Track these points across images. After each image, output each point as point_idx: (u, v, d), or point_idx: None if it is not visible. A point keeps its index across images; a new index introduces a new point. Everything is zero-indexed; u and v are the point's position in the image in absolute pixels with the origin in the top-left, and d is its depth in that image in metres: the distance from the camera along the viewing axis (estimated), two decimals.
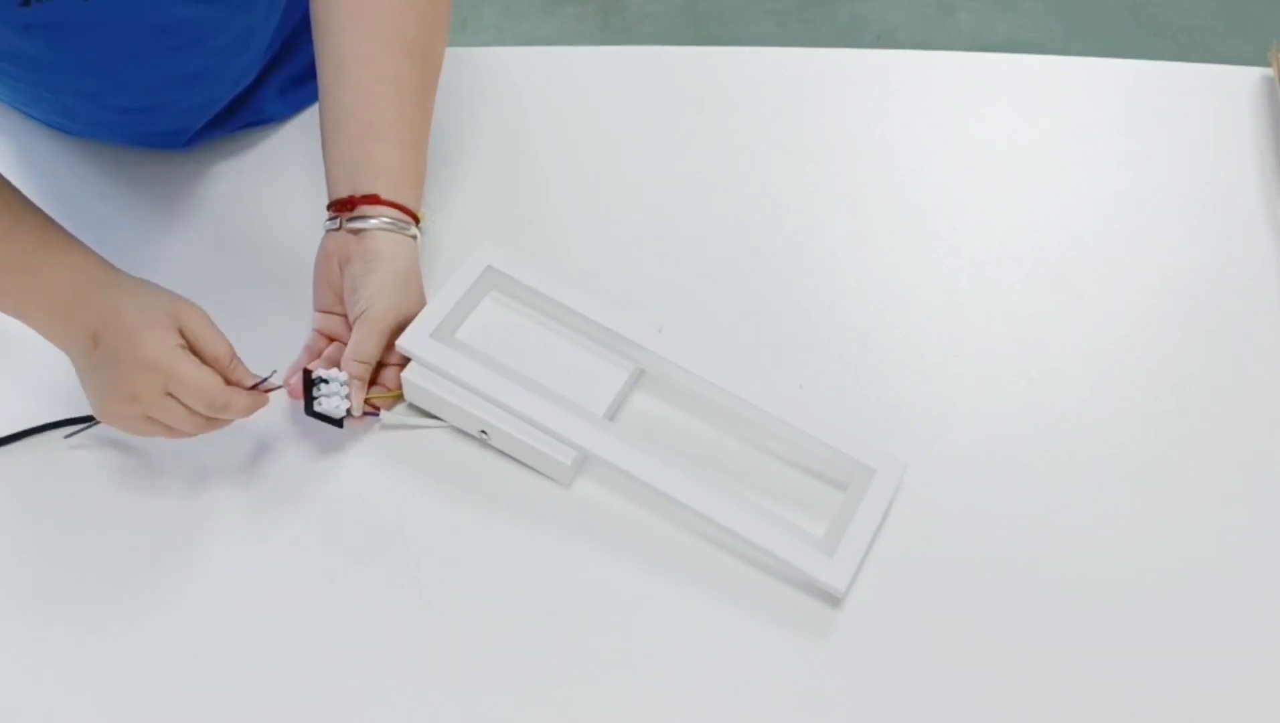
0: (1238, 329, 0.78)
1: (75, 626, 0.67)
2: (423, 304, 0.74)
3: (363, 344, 0.70)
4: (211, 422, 0.68)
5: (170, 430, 0.67)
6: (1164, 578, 0.68)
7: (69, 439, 0.73)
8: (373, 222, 0.72)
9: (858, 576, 0.66)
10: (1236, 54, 1.00)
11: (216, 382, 0.67)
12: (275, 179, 0.86)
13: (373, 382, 0.73)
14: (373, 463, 0.72)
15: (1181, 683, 0.64)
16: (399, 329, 0.72)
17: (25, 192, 0.69)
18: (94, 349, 0.66)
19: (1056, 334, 0.78)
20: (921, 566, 0.68)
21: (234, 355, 0.69)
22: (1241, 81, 0.92)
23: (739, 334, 0.78)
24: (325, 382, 0.69)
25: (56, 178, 0.86)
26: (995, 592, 0.68)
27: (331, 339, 0.74)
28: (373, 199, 0.73)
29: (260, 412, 0.69)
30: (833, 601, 0.67)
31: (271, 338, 0.74)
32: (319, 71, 0.75)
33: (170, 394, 0.66)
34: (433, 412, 0.73)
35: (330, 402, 0.69)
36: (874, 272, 0.81)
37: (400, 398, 0.74)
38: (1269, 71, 0.92)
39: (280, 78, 0.88)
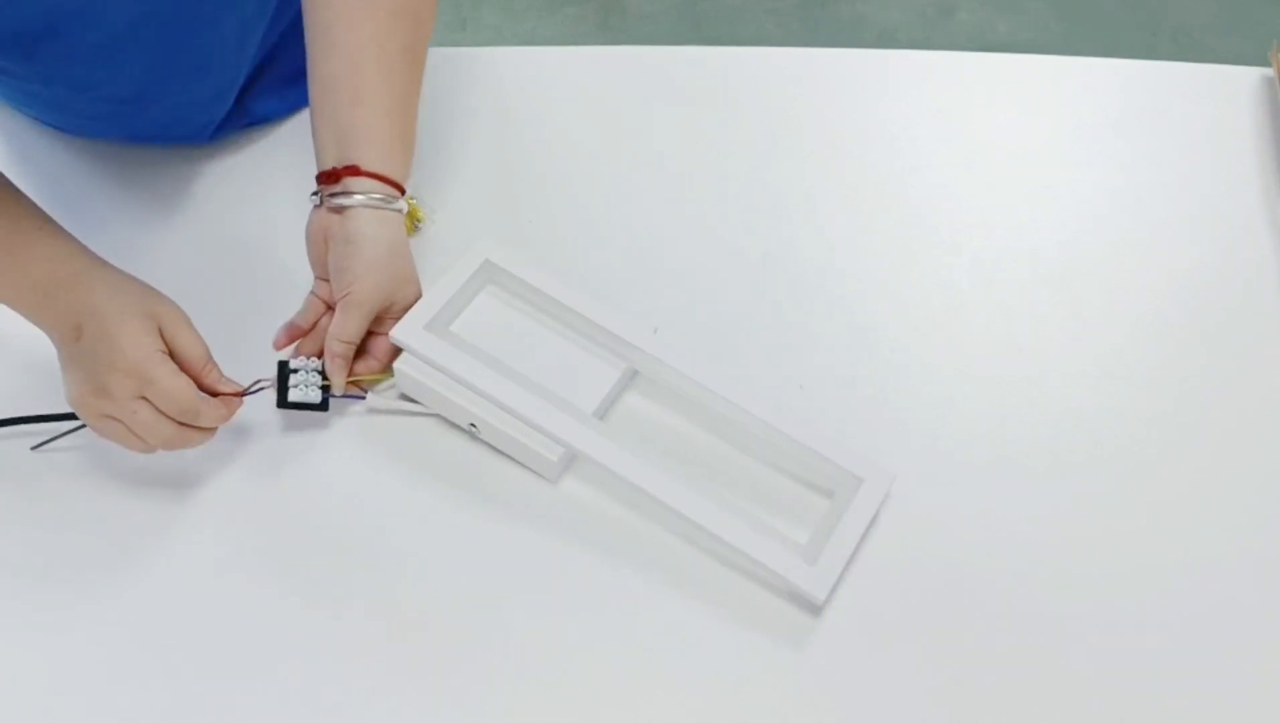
0: (1238, 330, 0.78)
1: (49, 618, 0.67)
2: (410, 280, 0.74)
3: (345, 325, 0.71)
4: (177, 435, 0.67)
5: (132, 436, 0.67)
6: (1163, 582, 0.68)
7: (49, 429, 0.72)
8: (356, 198, 0.72)
9: (839, 585, 0.66)
10: (1236, 54, 1.00)
11: (191, 389, 0.67)
12: (269, 179, 0.86)
13: (359, 356, 0.73)
14: (359, 454, 0.73)
15: (1182, 689, 0.64)
16: (383, 306, 0.72)
17: (21, 190, 0.69)
18: (76, 341, 0.66)
19: (1056, 335, 0.78)
20: (912, 571, 0.68)
21: (209, 359, 0.69)
22: (1241, 81, 0.92)
23: (737, 334, 0.78)
24: (295, 371, 0.71)
25: (52, 176, 0.86)
26: (983, 598, 0.67)
27: (329, 304, 0.74)
28: (354, 170, 0.72)
29: (244, 403, 0.70)
30: (813, 608, 0.67)
31: (264, 339, 0.74)
32: (307, 41, 0.74)
33: (143, 397, 0.66)
34: (424, 403, 0.73)
35: (301, 391, 0.71)
36: (874, 272, 0.81)
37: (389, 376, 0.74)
38: (1269, 71, 0.92)
39: (274, 77, 0.88)
